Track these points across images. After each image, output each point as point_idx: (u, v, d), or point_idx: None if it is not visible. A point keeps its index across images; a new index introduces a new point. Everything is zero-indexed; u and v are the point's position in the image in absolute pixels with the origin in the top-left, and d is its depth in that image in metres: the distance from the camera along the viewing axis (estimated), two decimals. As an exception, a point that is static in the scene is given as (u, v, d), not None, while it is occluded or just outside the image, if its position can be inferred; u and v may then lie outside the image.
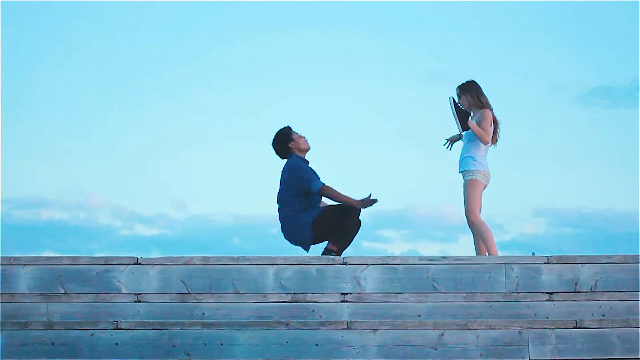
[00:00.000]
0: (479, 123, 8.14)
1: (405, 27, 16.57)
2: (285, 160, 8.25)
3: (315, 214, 7.94)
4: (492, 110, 8.28)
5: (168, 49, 16.85)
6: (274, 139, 8.28)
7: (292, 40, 16.16)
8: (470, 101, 8.30)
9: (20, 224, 17.01)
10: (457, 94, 8.37)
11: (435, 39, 16.71)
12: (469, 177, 8.12)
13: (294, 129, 8.27)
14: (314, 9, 16.27)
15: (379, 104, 16.78)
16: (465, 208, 8.11)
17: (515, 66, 17.08)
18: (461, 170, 8.23)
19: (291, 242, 8.08)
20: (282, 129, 8.27)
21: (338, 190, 7.94)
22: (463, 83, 8.37)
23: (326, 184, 7.97)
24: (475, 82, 8.35)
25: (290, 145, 8.22)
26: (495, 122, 8.31)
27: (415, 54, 16.86)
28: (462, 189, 8.19)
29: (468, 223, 8.10)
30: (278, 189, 8.14)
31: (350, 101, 16.60)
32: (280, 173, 8.19)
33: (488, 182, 8.18)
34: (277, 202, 8.12)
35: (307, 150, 8.26)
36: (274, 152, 8.29)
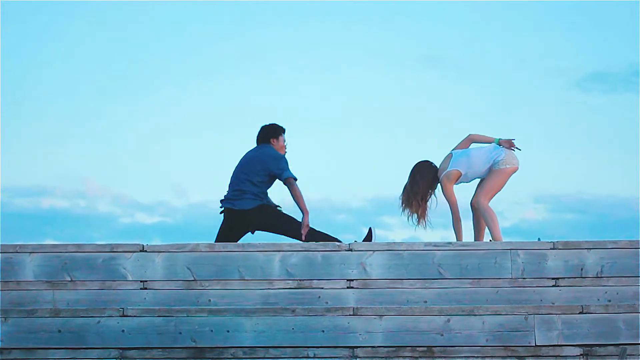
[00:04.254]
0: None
1: (400, 13, 16.55)
2: (257, 146, 8.36)
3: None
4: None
5: (169, 41, 16.85)
6: (267, 126, 8.40)
7: (290, 33, 16.18)
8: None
9: (21, 212, 17.00)
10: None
11: (430, 24, 16.71)
12: (497, 168, 7.96)
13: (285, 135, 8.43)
14: (311, 4, 16.28)
15: (372, 92, 16.78)
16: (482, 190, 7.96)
17: (511, 51, 17.06)
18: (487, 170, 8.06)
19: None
20: (279, 125, 8.42)
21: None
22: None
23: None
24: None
25: (272, 140, 8.33)
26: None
27: (410, 39, 16.84)
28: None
29: (475, 204, 7.95)
30: (239, 170, 8.15)
31: (345, 91, 16.62)
32: (248, 157, 8.22)
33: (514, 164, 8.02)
34: (235, 184, 8.11)
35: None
36: (257, 133, 8.39)
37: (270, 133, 8.37)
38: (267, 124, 8.43)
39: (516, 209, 16.50)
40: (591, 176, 16.62)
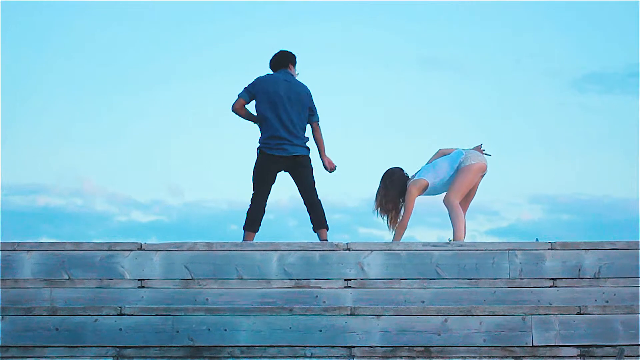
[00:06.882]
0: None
1: (398, 14, 16.56)
2: (285, 72, 8.06)
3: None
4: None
5: (169, 41, 16.86)
6: (285, 51, 8.15)
7: (289, 34, 16.21)
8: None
9: (17, 210, 17.00)
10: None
11: (427, 25, 16.72)
12: (462, 166, 7.97)
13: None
14: (311, 5, 16.30)
15: (370, 93, 16.79)
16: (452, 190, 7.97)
17: (507, 52, 17.09)
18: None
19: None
20: (292, 53, 8.17)
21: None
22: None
23: None
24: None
25: (290, 66, 8.11)
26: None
27: (407, 40, 16.86)
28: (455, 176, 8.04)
29: (445, 202, 7.95)
30: (285, 106, 7.90)
31: (343, 92, 16.64)
32: (287, 85, 7.97)
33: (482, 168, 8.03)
34: (291, 123, 7.91)
35: None
36: (273, 57, 8.13)
37: (290, 58, 8.11)
38: (283, 49, 8.16)
39: (512, 210, 16.53)
40: (587, 177, 16.66)
